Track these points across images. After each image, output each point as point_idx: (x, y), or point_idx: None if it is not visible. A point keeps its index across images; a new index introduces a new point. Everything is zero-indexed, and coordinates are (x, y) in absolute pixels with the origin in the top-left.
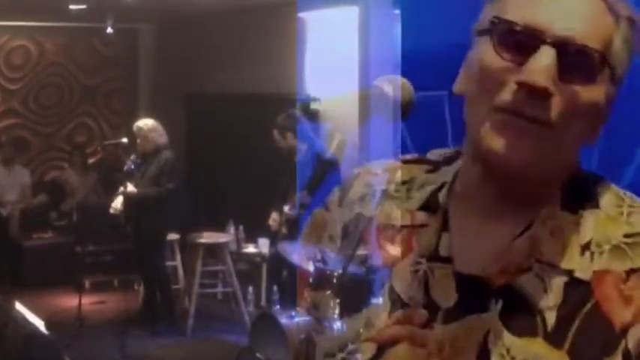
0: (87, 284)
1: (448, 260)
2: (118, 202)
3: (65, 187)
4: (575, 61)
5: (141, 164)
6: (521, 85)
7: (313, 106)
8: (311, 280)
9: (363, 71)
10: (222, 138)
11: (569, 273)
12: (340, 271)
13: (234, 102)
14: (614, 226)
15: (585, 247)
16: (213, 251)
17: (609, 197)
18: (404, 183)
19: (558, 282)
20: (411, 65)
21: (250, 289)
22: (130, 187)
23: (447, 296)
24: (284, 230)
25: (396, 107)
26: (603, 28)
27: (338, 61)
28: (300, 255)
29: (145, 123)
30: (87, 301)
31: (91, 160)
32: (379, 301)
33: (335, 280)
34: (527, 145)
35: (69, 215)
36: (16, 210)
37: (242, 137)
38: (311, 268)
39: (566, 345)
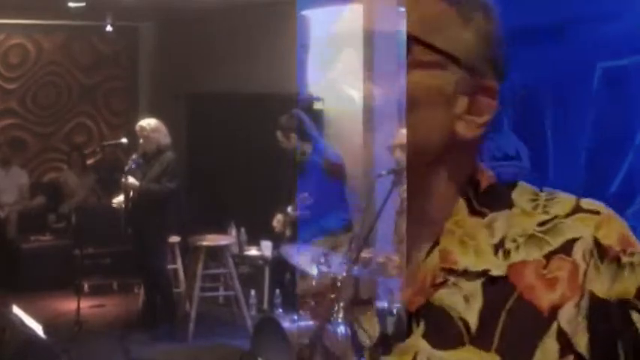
0: (86, 287)
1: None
2: (120, 197)
3: (64, 188)
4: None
5: (142, 164)
6: None
7: (316, 106)
8: (314, 283)
9: (367, 71)
10: (224, 138)
11: (484, 273)
12: (344, 275)
13: (237, 101)
14: (530, 219)
15: (498, 246)
16: (215, 254)
17: (523, 195)
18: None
19: (475, 285)
20: None
21: (252, 292)
22: (132, 179)
23: (372, 332)
24: (287, 232)
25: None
26: (429, 16)
27: (341, 60)
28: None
29: (148, 123)
30: (86, 304)
31: (89, 161)
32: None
33: (339, 284)
34: None
35: (67, 217)
36: (13, 212)
37: (244, 137)
38: (314, 271)
39: (495, 343)
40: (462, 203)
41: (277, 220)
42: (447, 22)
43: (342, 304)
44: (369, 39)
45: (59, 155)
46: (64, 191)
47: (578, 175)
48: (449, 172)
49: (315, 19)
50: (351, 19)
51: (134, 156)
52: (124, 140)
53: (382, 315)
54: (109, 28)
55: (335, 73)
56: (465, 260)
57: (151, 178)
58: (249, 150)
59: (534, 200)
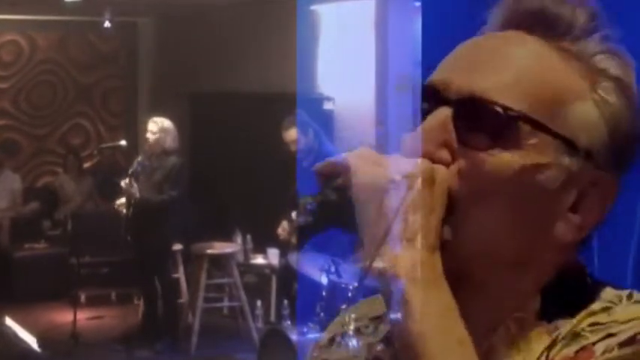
0: (83, 298)
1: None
2: (122, 199)
3: (59, 193)
4: (479, 121)
5: (145, 167)
6: None
7: (326, 106)
8: (324, 293)
9: (380, 69)
10: (228, 140)
11: None
12: (356, 284)
13: (241, 101)
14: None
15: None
16: (219, 263)
17: (603, 299)
18: (375, 318)
19: None
20: (432, 63)
21: (259, 303)
22: (133, 189)
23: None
24: (294, 240)
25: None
26: (543, 86)
27: (353, 57)
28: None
29: (161, 121)
30: (82, 316)
31: (86, 165)
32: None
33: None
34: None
35: (63, 224)
36: (5, 219)
37: (249, 140)
38: (324, 280)
39: None
40: (536, 297)
41: (282, 228)
42: (565, 93)
43: (353, 316)
44: (383, 36)
45: (54, 158)
46: (59, 196)
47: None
48: (533, 274)
49: (325, 14)
50: (363, 14)
51: (139, 158)
52: (123, 142)
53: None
54: (106, 24)
55: (347, 72)
56: None
57: (153, 184)
58: (254, 152)
59: (610, 307)
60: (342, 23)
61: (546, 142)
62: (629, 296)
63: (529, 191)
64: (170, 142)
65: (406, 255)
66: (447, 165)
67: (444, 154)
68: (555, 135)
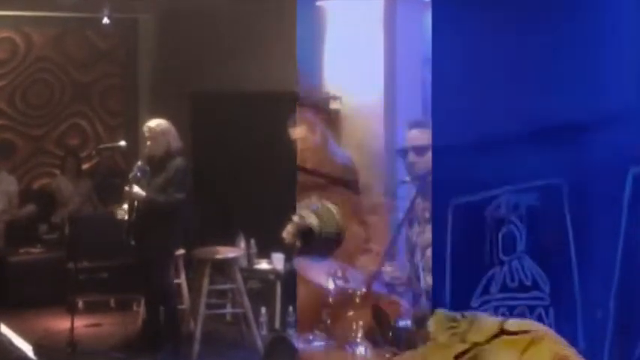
0: (80, 304)
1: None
2: (124, 207)
3: (56, 195)
4: None
5: (147, 171)
6: None
7: (333, 105)
8: (331, 299)
9: (388, 67)
10: (231, 141)
11: None
12: (363, 290)
13: (244, 100)
14: (447, 352)
15: None
16: (222, 268)
17: (438, 324)
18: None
19: None
20: (442, 60)
21: (263, 309)
22: (137, 189)
23: None
24: (299, 243)
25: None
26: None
27: (361, 55)
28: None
29: (158, 123)
30: (80, 323)
31: (85, 166)
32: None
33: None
34: None
35: (60, 227)
36: (0, 222)
37: (253, 140)
38: (331, 286)
39: None
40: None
41: (287, 232)
42: (323, 151)
43: (360, 323)
44: (392, 33)
45: (51, 159)
46: (56, 199)
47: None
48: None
49: (331, 10)
50: (371, 10)
51: (139, 163)
52: (123, 143)
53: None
54: (105, 20)
55: (354, 70)
56: None
57: (157, 187)
58: (258, 153)
59: (452, 328)
60: (349, 19)
61: None
62: (463, 315)
63: None
64: (172, 143)
65: None
66: None
67: None
68: (321, 174)
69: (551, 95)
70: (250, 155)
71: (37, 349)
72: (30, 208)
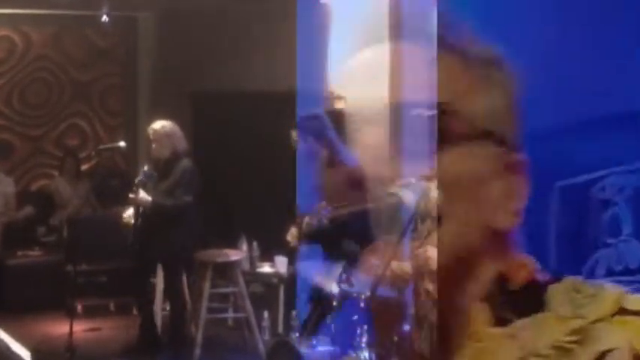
0: (79, 308)
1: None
2: (129, 211)
3: (55, 197)
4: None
5: (153, 174)
6: None
7: (337, 105)
8: (335, 303)
9: (395, 67)
10: (232, 141)
11: None
12: (368, 294)
13: (246, 100)
14: (562, 326)
15: None
16: (224, 271)
17: (561, 293)
18: None
19: None
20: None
21: (265, 314)
22: (143, 194)
23: None
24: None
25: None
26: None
27: (366, 52)
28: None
29: (162, 125)
30: (79, 327)
31: (84, 167)
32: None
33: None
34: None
35: (59, 230)
36: None
37: (255, 141)
38: (335, 289)
39: None
40: (480, 310)
41: (291, 235)
42: (470, 86)
43: (365, 327)
44: (397, 27)
45: (50, 160)
46: (55, 201)
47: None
48: (480, 274)
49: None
50: (377, 5)
51: (145, 168)
52: (122, 143)
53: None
54: (104, 18)
55: (359, 68)
56: None
57: (164, 190)
58: (260, 154)
59: (574, 300)
60: (353, 16)
61: (468, 133)
62: (592, 288)
63: (467, 183)
64: (178, 144)
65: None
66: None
67: None
68: (473, 125)
69: None
70: (252, 156)
71: (35, 354)
72: (28, 210)
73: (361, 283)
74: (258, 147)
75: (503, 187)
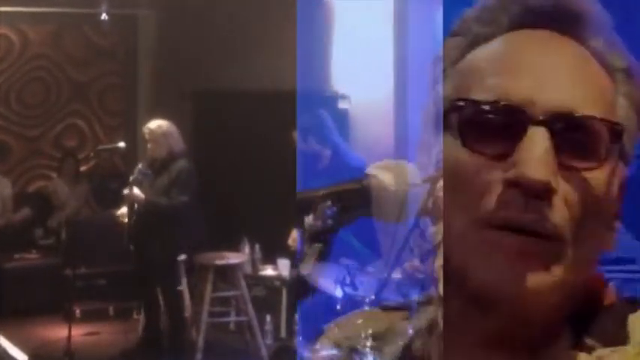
0: (78, 312)
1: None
2: (123, 209)
3: (52, 199)
4: (577, 139)
5: (149, 174)
6: (513, 185)
7: (342, 105)
8: (339, 307)
9: (399, 65)
10: (234, 142)
11: None
12: (372, 297)
13: (248, 100)
14: None
15: None
16: (225, 274)
17: None
18: (376, 338)
19: None
20: None
21: (268, 318)
22: (137, 191)
23: None
24: (306, 249)
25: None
26: (602, 90)
27: (370, 53)
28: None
29: (159, 125)
30: (78, 332)
31: (82, 168)
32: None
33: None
34: (533, 268)
35: (57, 232)
36: None
37: (257, 141)
38: (339, 293)
39: None
40: (565, 326)
41: (293, 239)
42: (613, 97)
43: (370, 331)
44: (402, 29)
45: (47, 161)
46: (52, 202)
47: None
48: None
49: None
50: (382, 6)
51: (140, 165)
52: (122, 144)
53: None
54: (104, 17)
55: (364, 68)
56: None
57: (159, 189)
58: (263, 155)
59: None
60: (358, 14)
61: (615, 148)
62: None
63: (610, 205)
64: (175, 144)
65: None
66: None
67: (557, 181)
68: (618, 138)
69: None
70: (253, 156)
71: (33, 358)
72: (25, 212)
73: (365, 286)
74: (260, 147)
75: (617, 206)
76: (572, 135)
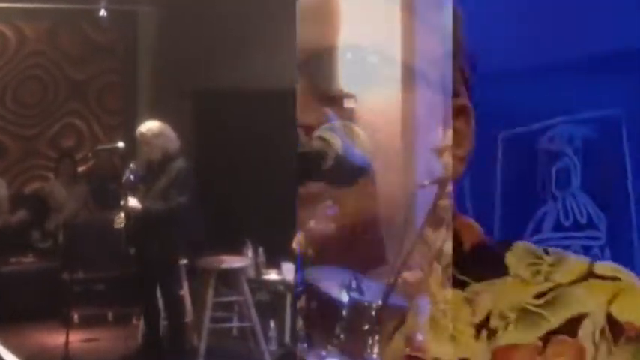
0: (76, 318)
1: None
2: (122, 216)
3: (50, 201)
4: None
5: (146, 176)
6: None
7: (347, 104)
8: (345, 312)
9: (406, 62)
10: (236, 142)
11: None
12: (380, 303)
13: (250, 99)
14: (525, 289)
15: (482, 325)
16: (228, 278)
17: (520, 258)
18: None
19: None
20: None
21: (272, 323)
22: (133, 202)
23: None
24: (311, 252)
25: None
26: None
27: (376, 50)
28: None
29: (149, 127)
30: (76, 338)
31: (80, 169)
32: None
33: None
34: None
35: (54, 235)
36: None
37: (260, 141)
38: (345, 298)
39: None
40: (434, 270)
41: (296, 242)
42: (406, 28)
43: (377, 338)
44: (409, 25)
45: (44, 162)
46: (50, 204)
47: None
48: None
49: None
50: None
51: (131, 166)
52: (121, 144)
53: None
54: (102, 13)
55: (370, 66)
56: (437, 347)
57: (157, 192)
58: (266, 155)
59: (535, 265)
60: (364, 11)
61: (399, 76)
62: (547, 251)
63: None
64: (169, 145)
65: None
66: None
67: None
68: (405, 66)
69: (611, 20)
70: (257, 158)
71: None
72: (21, 214)
73: (372, 291)
74: (263, 149)
75: (447, 133)
76: None
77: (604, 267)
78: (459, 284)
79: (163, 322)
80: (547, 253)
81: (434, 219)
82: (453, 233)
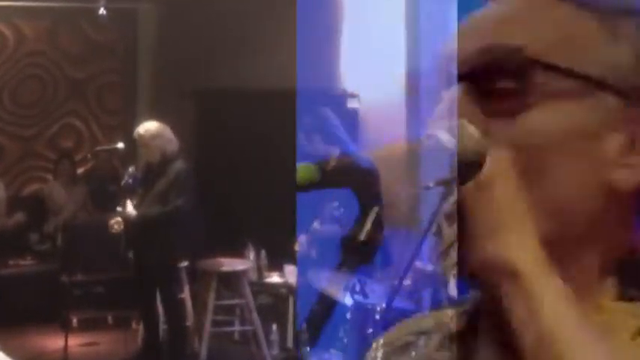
0: (75, 321)
1: None
2: (119, 220)
3: (48, 202)
4: (500, 75)
5: (145, 178)
6: None
7: (351, 104)
8: (348, 315)
9: (410, 63)
10: (237, 142)
11: None
12: (384, 306)
13: (251, 99)
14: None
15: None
16: (229, 281)
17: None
18: (423, 333)
19: None
20: None
21: (274, 327)
22: (129, 208)
23: None
24: (314, 253)
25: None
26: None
27: (381, 50)
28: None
29: (147, 129)
30: (75, 342)
31: (79, 170)
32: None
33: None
34: None
35: (53, 237)
36: None
37: (262, 142)
38: (348, 301)
39: None
40: (610, 283)
41: (300, 244)
42: (587, 37)
43: (381, 341)
44: (414, 25)
45: (43, 163)
46: (48, 206)
47: None
48: (601, 243)
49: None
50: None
51: (131, 169)
52: (120, 145)
53: None
54: (102, 11)
55: (374, 66)
56: None
57: (156, 195)
58: (268, 156)
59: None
60: (368, 12)
61: (574, 87)
62: None
63: (573, 140)
64: (168, 146)
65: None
66: None
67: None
68: (584, 77)
69: None
70: (259, 159)
71: None
72: (20, 216)
73: (376, 294)
74: (265, 150)
75: (623, 140)
76: (490, 76)
77: None
78: (628, 299)
79: (163, 326)
80: None
81: (448, 215)
82: (628, 246)
